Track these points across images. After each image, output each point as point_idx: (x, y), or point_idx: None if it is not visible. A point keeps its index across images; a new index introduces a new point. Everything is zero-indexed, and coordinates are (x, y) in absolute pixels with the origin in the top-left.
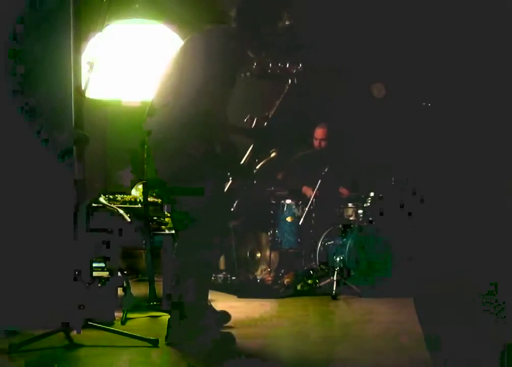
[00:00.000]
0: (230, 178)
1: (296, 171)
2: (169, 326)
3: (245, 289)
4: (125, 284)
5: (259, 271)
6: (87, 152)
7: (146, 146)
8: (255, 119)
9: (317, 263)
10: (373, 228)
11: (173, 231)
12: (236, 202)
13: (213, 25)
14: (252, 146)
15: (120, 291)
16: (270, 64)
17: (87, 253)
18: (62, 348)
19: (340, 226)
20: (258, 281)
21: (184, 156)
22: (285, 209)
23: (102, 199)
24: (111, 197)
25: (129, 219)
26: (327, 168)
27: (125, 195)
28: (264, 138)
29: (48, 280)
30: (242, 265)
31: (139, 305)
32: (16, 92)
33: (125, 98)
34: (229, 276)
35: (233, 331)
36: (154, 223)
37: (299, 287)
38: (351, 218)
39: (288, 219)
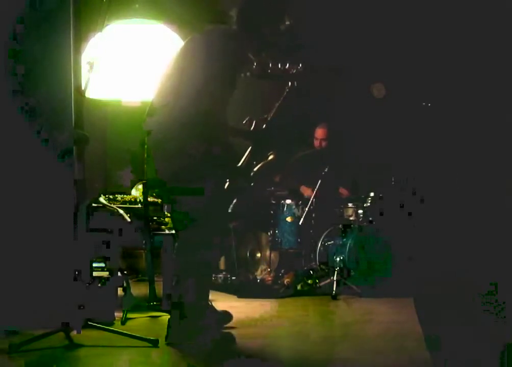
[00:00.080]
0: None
1: (296, 171)
2: (169, 326)
3: (245, 289)
4: (125, 284)
5: (259, 271)
6: (87, 152)
7: (146, 146)
8: (254, 121)
9: (317, 263)
10: (373, 228)
11: (173, 231)
12: (234, 202)
13: (214, 25)
14: (250, 148)
15: (120, 291)
16: (270, 65)
17: (87, 253)
18: (62, 348)
19: (340, 226)
20: (258, 281)
21: (184, 156)
22: (285, 209)
23: (102, 199)
24: (111, 197)
25: (129, 219)
26: (327, 168)
27: (125, 195)
28: (263, 141)
29: (48, 280)
30: (242, 265)
31: (139, 305)
32: (16, 92)
33: (125, 98)
34: (229, 276)
35: (233, 331)
36: (154, 223)
37: (299, 287)
38: (351, 218)
39: (288, 219)
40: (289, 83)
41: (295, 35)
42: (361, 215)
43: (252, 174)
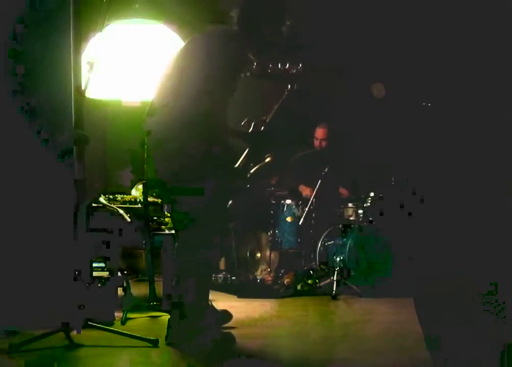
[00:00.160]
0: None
1: (296, 171)
2: (169, 326)
3: (245, 289)
4: (125, 284)
5: (259, 271)
6: (87, 152)
7: (146, 146)
8: (253, 123)
9: (317, 263)
10: (373, 228)
11: (173, 231)
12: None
13: (215, 25)
14: (247, 150)
15: (120, 291)
16: (270, 65)
17: (87, 253)
18: (62, 348)
19: (340, 226)
20: (258, 281)
21: (184, 156)
22: (285, 209)
23: (102, 199)
24: (111, 197)
25: (129, 219)
26: (327, 168)
27: (125, 195)
28: (260, 143)
29: (48, 280)
30: (242, 265)
31: (139, 305)
32: (16, 92)
33: (125, 98)
34: (229, 276)
35: (233, 331)
36: (154, 223)
37: (299, 287)
38: (351, 218)
39: (288, 219)
40: (289, 86)
41: (295, 35)
42: (361, 215)
43: (248, 175)
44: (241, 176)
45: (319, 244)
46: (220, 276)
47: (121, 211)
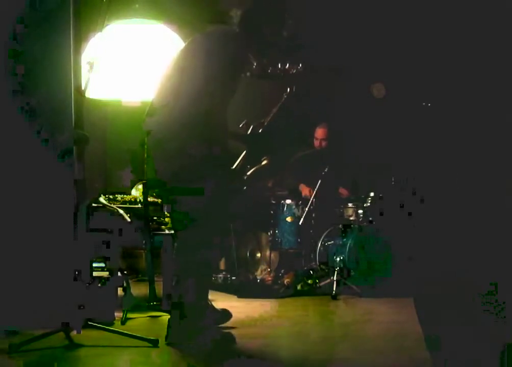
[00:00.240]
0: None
1: (296, 171)
2: (169, 326)
3: (245, 289)
4: (125, 284)
5: (259, 271)
6: (87, 152)
7: (146, 146)
8: (251, 126)
9: (317, 263)
10: (373, 228)
11: (173, 231)
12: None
13: (215, 26)
14: (245, 152)
15: (120, 291)
16: (270, 65)
17: (87, 253)
18: (62, 348)
19: (340, 226)
20: (258, 281)
21: (184, 156)
22: (285, 209)
23: (102, 199)
24: (111, 197)
25: (129, 219)
26: (327, 168)
27: (125, 195)
28: (258, 145)
29: (48, 280)
30: (242, 265)
31: (139, 305)
32: (16, 92)
33: (125, 98)
34: (229, 276)
35: (233, 331)
36: (154, 223)
37: (299, 287)
38: (351, 218)
39: (288, 219)
40: (288, 89)
41: (295, 35)
42: (361, 215)
43: (245, 177)
44: (238, 177)
45: (319, 244)
46: (220, 276)
47: (121, 211)
